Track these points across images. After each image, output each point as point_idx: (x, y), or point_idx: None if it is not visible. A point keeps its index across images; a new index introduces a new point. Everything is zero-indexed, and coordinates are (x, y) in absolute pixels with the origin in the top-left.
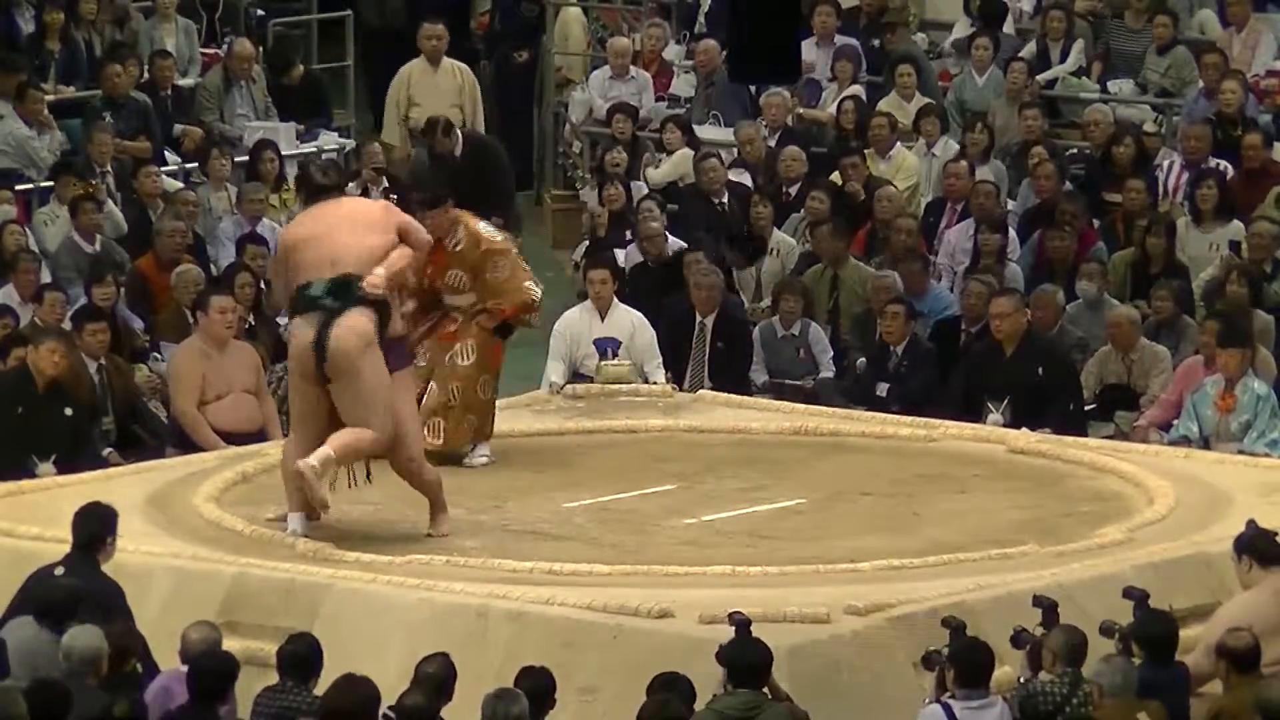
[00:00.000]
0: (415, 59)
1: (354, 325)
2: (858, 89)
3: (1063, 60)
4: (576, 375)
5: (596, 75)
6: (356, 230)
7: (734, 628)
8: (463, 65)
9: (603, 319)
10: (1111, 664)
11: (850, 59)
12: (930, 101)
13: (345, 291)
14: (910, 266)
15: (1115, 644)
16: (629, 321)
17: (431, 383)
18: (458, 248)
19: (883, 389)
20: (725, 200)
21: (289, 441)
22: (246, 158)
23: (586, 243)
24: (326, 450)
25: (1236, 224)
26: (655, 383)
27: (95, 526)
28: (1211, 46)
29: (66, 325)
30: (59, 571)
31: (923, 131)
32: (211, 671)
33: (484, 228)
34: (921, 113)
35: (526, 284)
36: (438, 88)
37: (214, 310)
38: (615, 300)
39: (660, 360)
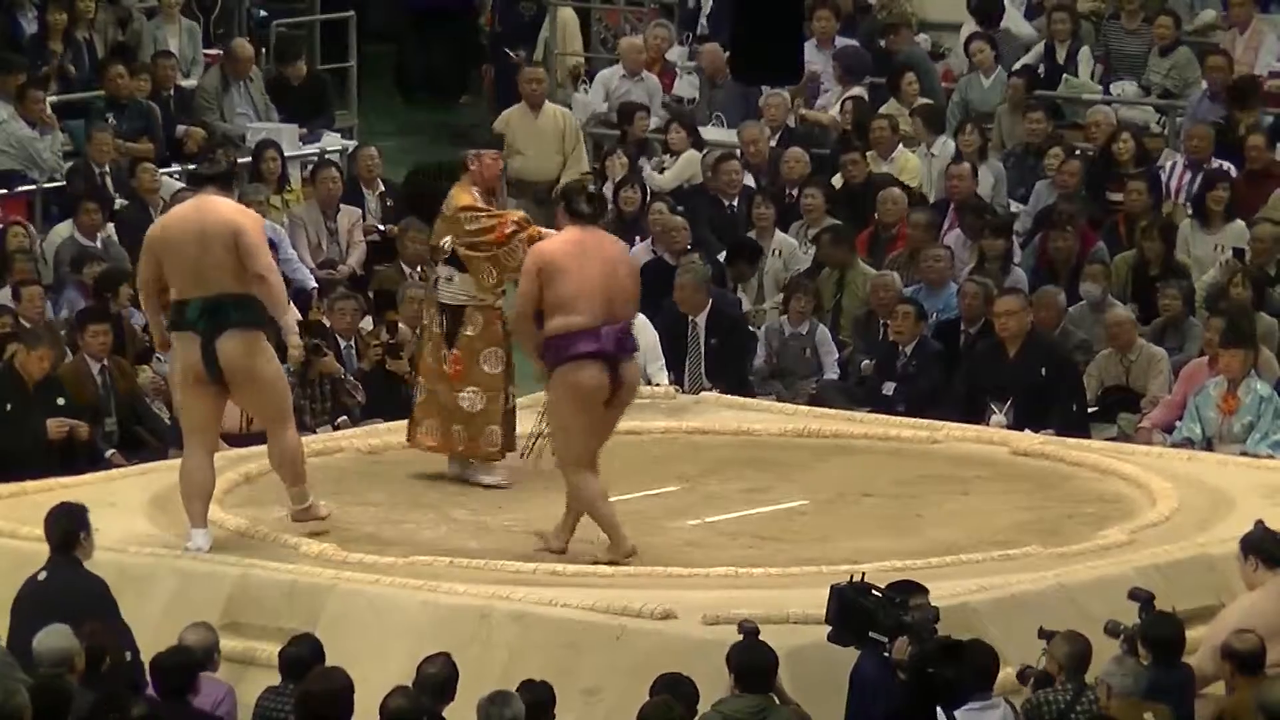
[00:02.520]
0: (515, 104)
1: (236, 340)
2: (860, 90)
3: (1069, 61)
4: None
5: (604, 74)
6: (217, 246)
7: (741, 634)
8: (564, 109)
9: None
10: (1123, 665)
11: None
12: (927, 102)
13: (220, 313)
14: (932, 252)
15: (1120, 644)
16: None
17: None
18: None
19: (889, 388)
20: (734, 202)
21: (188, 456)
22: (249, 158)
23: None
24: (290, 491)
25: (1241, 226)
26: (658, 384)
27: (66, 524)
28: (1215, 47)
29: (52, 318)
30: (42, 577)
31: (918, 132)
32: (171, 668)
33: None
34: (915, 113)
35: None
36: (539, 133)
37: None
38: None
39: (663, 362)
